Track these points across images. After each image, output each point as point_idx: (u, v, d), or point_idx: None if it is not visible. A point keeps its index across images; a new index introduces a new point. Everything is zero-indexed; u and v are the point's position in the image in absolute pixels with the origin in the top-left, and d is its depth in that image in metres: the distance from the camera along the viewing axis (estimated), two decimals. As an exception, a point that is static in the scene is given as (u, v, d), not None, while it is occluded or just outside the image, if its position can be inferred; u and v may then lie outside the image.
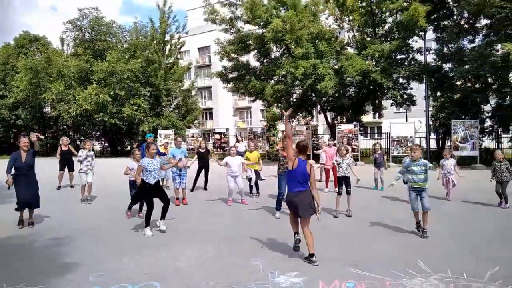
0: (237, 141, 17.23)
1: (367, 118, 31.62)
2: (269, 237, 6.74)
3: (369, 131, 34.32)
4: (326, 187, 12.06)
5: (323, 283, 4.74)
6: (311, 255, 5.48)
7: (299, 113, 26.12)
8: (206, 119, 52.89)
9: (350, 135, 21.02)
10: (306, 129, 23.12)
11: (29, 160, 7.73)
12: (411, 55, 23.31)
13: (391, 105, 25.61)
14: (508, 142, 21.98)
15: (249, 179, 11.02)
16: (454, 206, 9.66)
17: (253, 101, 26.35)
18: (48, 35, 43.57)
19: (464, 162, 18.45)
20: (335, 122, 25.25)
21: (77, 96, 31.20)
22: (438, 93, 23.75)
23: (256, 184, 11.19)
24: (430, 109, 28.57)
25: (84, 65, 31.97)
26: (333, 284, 4.72)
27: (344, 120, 24.80)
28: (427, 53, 22.23)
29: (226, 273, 5.17)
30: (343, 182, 8.76)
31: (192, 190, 12.13)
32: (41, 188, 8.19)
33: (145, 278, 5.01)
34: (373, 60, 21.16)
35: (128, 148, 41.35)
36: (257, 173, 10.97)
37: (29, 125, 37.50)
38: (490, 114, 22.01)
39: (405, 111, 27.72)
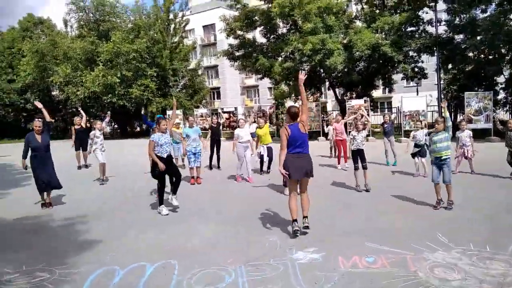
0: (254, 121, 15.59)
1: (377, 93, 31.17)
2: (283, 214, 6.67)
3: (379, 106, 33.94)
4: (339, 163, 11.91)
5: (342, 259, 4.67)
6: (305, 217, 5.67)
7: (307, 90, 25.81)
8: (214, 98, 52.65)
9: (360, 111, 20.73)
10: (316, 106, 22.88)
11: (44, 140, 7.78)
12: (421, 27, 22.77)
13: (402, 79, 25.18)
14: (522, 113, 21.55)
15: (261, 156, 10.93)
16: (468, 178, 9.51)
17: (261, 78, 26.06)
18: (52, 17, 43.17)
19: (478, 135, 18.13)
20: (345, 98, 24.94)
21: (84, 78, 31.14)
22: (450, 66, 23.24)
23: (269, 161, 11.09)
24: (441, 82, 28.11)
25: (90, 46, 31.78)
26: (352, 259, 4.65)
27: (354, 95, 24.49)
28: (438, 24, 21.65)
29: (243, 250, 5.14)
30: (358, 156, 8.63)
31: (210, 168, 12.36)
32: (56, 169, 8.20)
33: (162, 256, 4.99)
34: (383, 33, 20.68)
35: (138, 129, 41.55)
36: (269, 150, 10.83)
37: (38, 109, 37.61)
38: (503, 85, 21.53)
39: (416, 84, 27.30)
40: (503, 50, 20.00)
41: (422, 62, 23.41)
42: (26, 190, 8.31)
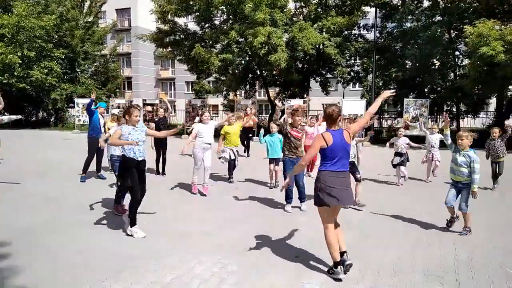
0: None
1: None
2: (296, 241, 5.16)
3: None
4: (311, 171, 10.52)
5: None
6: (345, 252, 4.30)
7: (242, 86, 24.41)
8: (125, 88, 48.53)
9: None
10: (252, 103, 21.53)
11: None
12: (356, 32, 22.84)
13: (337, 83, 25.13)
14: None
15: (233, 160, 9.06)
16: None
17: (190, 70, 23.92)
18: None
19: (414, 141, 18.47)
20: (282, 97, 24.06)
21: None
22: (376, 73, 23.60)
23: (234, 167, 9.38)
24: (361, 89, 28.81)
25: (-17, 18, 26.52)
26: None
27: (288, 95, 23.72)
28: (374, 30, 21.79)
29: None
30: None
31: (157, 172, 10.18)
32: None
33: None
34: (328, 34, 20.08)
35: (35, 119, 36.20)
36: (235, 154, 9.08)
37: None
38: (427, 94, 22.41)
39: (343, 88, 27.59)
40: (433, 60, 20.71)
41: (358, 66, 23.42)
42: None
